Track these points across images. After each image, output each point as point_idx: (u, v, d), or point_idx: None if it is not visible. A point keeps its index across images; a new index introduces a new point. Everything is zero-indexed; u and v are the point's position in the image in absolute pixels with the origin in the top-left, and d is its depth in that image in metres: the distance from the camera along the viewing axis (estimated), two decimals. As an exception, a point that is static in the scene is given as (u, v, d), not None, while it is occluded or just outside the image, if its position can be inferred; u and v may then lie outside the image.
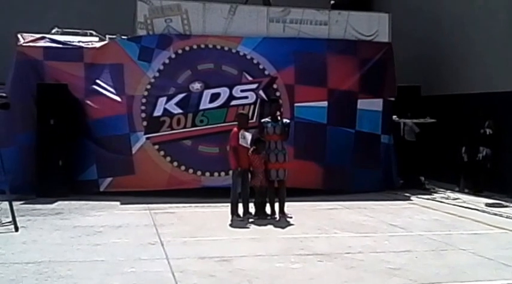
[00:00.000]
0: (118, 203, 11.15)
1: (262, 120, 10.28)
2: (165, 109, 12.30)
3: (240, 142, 9.72)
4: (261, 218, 9.91)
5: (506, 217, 10.50)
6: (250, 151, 9.83)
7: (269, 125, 10.04)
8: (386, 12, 14.34)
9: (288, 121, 10.32)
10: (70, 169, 11.91)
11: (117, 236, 8.47)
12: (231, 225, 9.48)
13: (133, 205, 10.93)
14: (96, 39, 13.24)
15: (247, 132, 9.88)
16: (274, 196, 10.06)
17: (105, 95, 12.24)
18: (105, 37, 13.21)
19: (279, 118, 10.24)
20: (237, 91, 12.67)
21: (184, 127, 12.32)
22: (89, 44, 12.77)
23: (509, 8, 13.12)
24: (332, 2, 19.11)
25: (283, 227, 9.41)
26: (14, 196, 9.59)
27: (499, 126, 13.13)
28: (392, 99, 13.64)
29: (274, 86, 12.91)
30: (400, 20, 14.89)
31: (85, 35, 13.35)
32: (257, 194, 9.99)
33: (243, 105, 12.56)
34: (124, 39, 12.91)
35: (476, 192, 13.17)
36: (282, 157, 9.98)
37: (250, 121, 11.30)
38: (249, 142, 9.77)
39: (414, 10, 16.40)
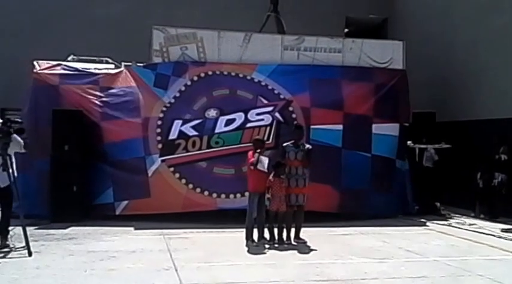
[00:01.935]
0: (132, 228, 11.14)
1: (285, 145, 10.28)
2: (180, 132, 12.33)
3: (258, 166, 9.72)
4: (276, 243, 9.86)
5: (524, 243, 10.37)
6: (271, 176, 9.82)
7: (291, 151, 10.06)
8: (400, 40, 14.42)
9: (310, 147, 10.31)
10: (84, 194, 11.94)
11: (131, 262, 8.44)
12: (245, 250, 9.41)
13: (147, 230, 10.91)
14: (112, 66, 13.40)
15: (264, 156, 9.87)
16: (291, 222, 10.02)
17: (120, 118, 12.33)
18: (121, 64, 13.36)
19: (301, 145, 10.21)
20: (252, 115, 12.71)
21: (200, 149, 12.32)
22: (105, 71, 12.93)
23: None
24: (346, 30, 19.34)
25: (298, 253, 9.34)
26: (27, 221, 9.59)
27: (514, 152, 13.05)
28: (407, 124, 13.64)
29: (290, 108, 12.94)
30: (414, 46, 14.94)
31: (101, 62, 13.51)
32: (273, 219, 9.94)
33: (259, 126, 12.60)
34: (140, 66, 13.07)
35: (491, 217, 13.07)
36: (303, 183, 10.00)
37: (267, 142, 11.41)
38: (266, 166, 9.76)
39: (429, 36, 16.47)
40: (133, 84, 12.66)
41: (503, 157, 13.17)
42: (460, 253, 9.53)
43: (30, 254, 8.58)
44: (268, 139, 12.20)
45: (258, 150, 9.85)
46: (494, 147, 13.28)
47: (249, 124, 12.62)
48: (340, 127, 13.03)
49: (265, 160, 9.78)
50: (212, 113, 12.62)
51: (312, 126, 12.83)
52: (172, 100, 12.60)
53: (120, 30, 17.03)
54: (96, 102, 12.41)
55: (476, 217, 13.36)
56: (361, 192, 12.81)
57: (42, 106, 12.15)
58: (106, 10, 17.51)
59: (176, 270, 7.97)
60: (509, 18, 13.67)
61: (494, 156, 13.26)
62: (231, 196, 12.14)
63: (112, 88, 12.63)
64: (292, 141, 10.25)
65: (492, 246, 10.13)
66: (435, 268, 8.40)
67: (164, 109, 12.48)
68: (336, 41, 13.91)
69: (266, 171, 9.79)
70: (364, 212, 12.81)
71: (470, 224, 12.38)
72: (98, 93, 12.49)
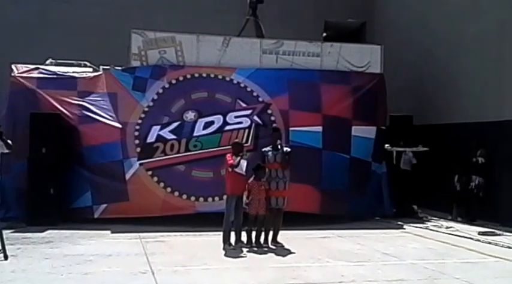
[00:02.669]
0: (109, 232, 11.07)
1: (263, 149, 10.31)
2: (158, 136, 12.32)
3: (237, 169, 9.72)
4: (254, 246, 9.86)
5: (500, 246, 10.48)
6: (250, 179, 9.84)
7: (270, 154, 10.09)
8: (378, 44, 14.54)
9: (288, 149, 10.33)
10: (62, 198, 11.87)
11: (107, 265, 8.40)
12: (223, 254, 9.41)
13: (124, 234, 10.86)
14: (90, 70, 13.34)
15: (242, 159, 9.89)
16: (270, 225, 10.05)
17: (98, 122, 12.27)
18: (99, 68, 13.30)
19: (279, 146, 10.25)
20: (231, 117, 12.75)
21: (178, 152, 12.32)
22: (83, 75, 12.87)
23: (501, 38, 13.31)
24: (324, 34, 19.45)
25: (275, 256, 9.37)
26: (4, 224, 9.56)
27: (491, 155, 13.20)
28: (384, 127, 13.77)
29: (269, 111, 12.99)
30: (392, 50, 15.07)
31: (79, 65, 13.45)
32: (252, 222, 9.94)
33: (238, 129, 12.62)
34: (118, 70, 13.03)
35: (469, 220, 13.20)
36: (283, 185, 10.02)
37: (246, 144, 11.57)
38: (244, 169, 9.77)
39: (407, 40, 16.62)
40: (111, 87, 12.61)
41: (481, 160, 13.30)
42: (437, 256, 9.61)
43: (6, 257, 8.52)
44: (247, 142, 12.26)
45: (241, 154, 9.85)
46: (472, 150, 13.42)
47: (227, 127, 12.64)
48: (320, 128, 13.09)
49: (243, 163, 9.80)
50: (190, 116, 12.64)
51: (291, 128, 12.88)
52: (151, 104, 12.60)
53: (98, 34, 16.92)
54: (74, 105, 12.35)
55: (453, 220, 13.46)
56: (341, 193, 12.87)
57: (20, 110, 12.09)
58: (84, 14, 17.42)
59: (153, 274, 7.95)
60: (486, 24, 13.83)
61: (472, 159, 13.40)
62: (210, 199, 12.12)
63: (90, 91, 12.57)
64: (271, 144, 10.28)
65: (469, 249, 10.22)
66: (412, 271, 8.45)
67: (142, 114, 12.45)
68: (314, 45, 14.00)
69: (244, 174, 9.80)
70: (344, 213, 12.88)
71: (447, 227, 12.46)
72: (76, 97, 12.44)
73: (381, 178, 13.62)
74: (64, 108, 12.24)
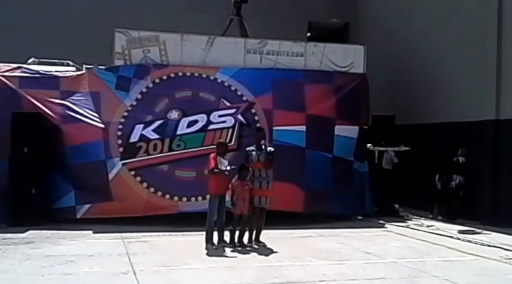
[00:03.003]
0: (91, 232, 11.04)
1: (247, 149, 10.35)
2: (141, 135, 12.29)
3: (221, 167, 9.75)
4: (236, 246, 9.89)
5: (480, 244, 10.61)
6: (234, 178, 9.87)
7: (253, 153, 10.14)
8: (361, 44, 14.63)
9: (272, 149, 10.38)
10: (44, 198, 11.79)
11: (89, 266, 8.38)
12: (205, 254, 9.42)
13: (106, 234, 10.83)
14: (73, 69, 13.28)
15: (224, 159, 9.92)
16: (253, 224, 10.09)
17: (81, 122, 12.22)
18: (82, 67, 13.24)
19: (263, 146, 10.29)
20: (214, 116, 12.74)
21: (161, 152, 12.29)
22: (66, 74, 12.81)
23: (482, 39, 13.46)
24: (308, 34, 19.53)
25: (258, 256, 9.40)
26: (-16, 225, 9.48)
27: (472, 154, 13.35)
28: (366, 127, 13.87)
29: (253, 111, 13.02)
30: (375, 50, 15.17)
31: (62, 64, 13.39)
32: (236, 222, 9.97)
33: (221, 129, 12.63)
34: (101, 69, 12.97)
35: (449, 219, 13.36)
36: (266, 185, 10.07)
37: (229, 144, 11.57)
38: (226, 168, 9.81)
39: (389, 41, 16.75)
40: (94, 86, 12.56)
41: (461, 159, 13.48)
42: (418, 255, 9.71)
43: (-14, 259, 8.48)
44: (230, 141, 12.27)
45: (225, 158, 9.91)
46: (452, 150, 13.57)
47: (211, 127, 12.64)
48: (303, 128, 13.16)
49: (225, 162, 9.85)
50: (174, 114, 12.61)
51: (274, 128, 12.93)
52: (134, 103, 12.55)
53: (82, 33, 16.87)
54: (57, 104, 12.28)
55: (434, 218, 13.61)
56: (324, 192, 12.93)
57: (2, 109, 11.94)
58: (68, 12, 17.35)
59: (135, 274, 7.94)
60: (469, 24, 14.00)
61: (452, 158, 13.56)
62: (193, 199, 12.13)
63: (73, 91, 12.50)
64: (254, 144, 10.32)
65: (449, 248, 10.34)
66: (393, 270, 8.54)
67: (125, 113, 12.42)
68: (298, 44, 14.05)
69: (226, 173, 9.84)
70: (327, 212, 12.97)
71: (428, 226, 12.60)
72: (58, 96, 12.36)
73: (364, 177, 13.71)
74: (46, 107, 12.16)
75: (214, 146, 10.54)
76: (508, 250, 10.02)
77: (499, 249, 10.14)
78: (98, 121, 12.25)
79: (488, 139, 13.02)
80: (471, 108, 13.63)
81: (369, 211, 13.62)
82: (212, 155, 10.01)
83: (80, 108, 12.33)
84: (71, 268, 8.24)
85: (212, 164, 9.80)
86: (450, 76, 14.51)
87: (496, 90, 12.91)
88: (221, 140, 11.24)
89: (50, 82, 12.51)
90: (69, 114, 12.24)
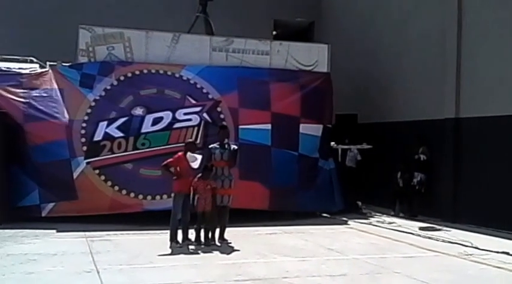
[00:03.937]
0: (54, 230, 10.93)
1: (210, 146, 10.37)
2: (105, 133, 12.22)
3: (191, 164, 9.78)
4: (201, 244, 9.92)
5: (440, 241, 10.81)
6: (196, 178, 9.89)
7: (217, 151, 10.15)
8: (326, 43, 14.79)
9: (235, 147, 10.40)
10: (6, 196, 11.63)
11: (51, 265, 8.31)
12: (169, 252, 9.43)
13: (70, 233, 10.74)
14: (37, 66, 13.15)
15: (196, 153, 9.94)
16: (216, 222, 10.12)
17: (44, 120, 12.09)
18: (46, 64, 13.10)
19: (226, 145, 10.31)
20: (180, 114, 12.72)
21: (125, 150, 12.24)
22: (29, 71, 12.64)
23: (441, 41, 13.72)
24: (274, 33, 19.62)
25: (222, 253, 9.44)
26: None
27: (433, 152, 13.62)
28: (330, 125, 14.03)
29: (218, 109, 13.05)
30: (339, 49, 15.37)
31: (25, 61, 13.23)
32: (200, 220, 9.99)
33: (187, 127, 12.63)
34: (65, 66, 12.84)
35: (410, 216, 13.61)
36: (228, 184, 10.10)
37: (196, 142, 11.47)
38: (198, 163, 9.84)
39: (353, 40, 16.96)
40: (58, 84, 12.44)
41: (422, 157, 13.73)
42: (379, 251, 9.87)
43: None
44: (196, 140, 12.24)
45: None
46: (414, 148, 13.82)
47: (176, 125, 12.62)
48: (269, 126, 13.26)
49: (198, 157, 9.90)
50: (139, 111, 12.56)
51: (240, 126, 12.99)
52: (98, 98, 12.45)
53: (45, 29, 16.64)
54: (20, 103, 12.13)
55: (395, 215, 13.86)
56: (289, 189, 13.05)
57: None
58: (31, 7, 17.11)
59: (98, 273, 7.90)
60: (428, 25, 14.27)
61: (414, 156, 13.80)
62: (158, 197, 12.11)
63: (36, 88, 12.37)
64: (218, 142, 10.36)
65: (410, 244, 10.53)
66: (355, 266, 8.67)
67: (89, 110, 12.33)
68: (264, 43, 14.14)
69: (196, 167, 9.86)
70: (292, 209, 13.08)
71: (390, 223, 12.82)
72: (21, 94, 12.21)
73: (331, 174, 13.84)
74: (9, 105, 12.02)
75: (180, 144, 10.54)
76: (467, 246, 10.22)
77: (458, 245, 10.33)
78: (61, 120, 12.13)
79: (448, 138, 13.28)
80: (431, 107, 13.90)
81: (338, 207, 13.71)
82: (180, 153, 10.02)
83: (42, 106, 12.20)
84: (33, 267, 8.16)
85: (171, 161, 9.82)
86: (411, 75, 14.78)
87: (456, 89, 13.16)
88: (190, 140, 11.09)
89: (12, 79, 12.34)
90: (32, 112, 12.09)
